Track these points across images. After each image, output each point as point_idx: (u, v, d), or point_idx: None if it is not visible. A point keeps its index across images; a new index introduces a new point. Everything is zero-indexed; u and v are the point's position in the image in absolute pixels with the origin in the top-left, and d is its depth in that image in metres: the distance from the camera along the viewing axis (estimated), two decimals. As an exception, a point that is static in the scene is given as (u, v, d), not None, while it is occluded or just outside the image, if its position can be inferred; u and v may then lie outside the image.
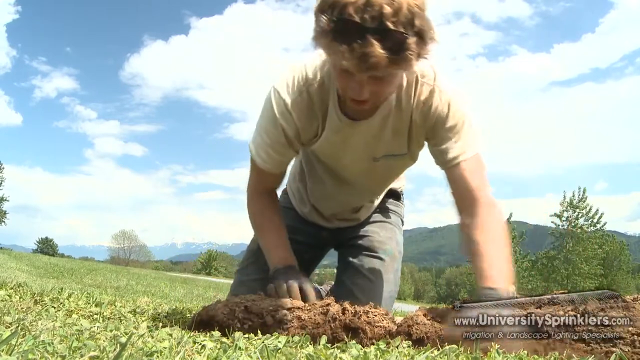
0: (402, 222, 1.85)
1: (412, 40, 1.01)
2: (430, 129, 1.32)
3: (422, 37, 1.04)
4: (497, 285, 1.12)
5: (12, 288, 1.70)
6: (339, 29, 1.00)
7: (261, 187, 1.48)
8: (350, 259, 1.66)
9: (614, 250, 30.52)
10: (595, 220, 27.02)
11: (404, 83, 1.29)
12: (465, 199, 1.30)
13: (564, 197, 27.77)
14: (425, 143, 1.39)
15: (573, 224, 27.23)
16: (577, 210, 27.23)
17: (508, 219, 28.78)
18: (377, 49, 0.98)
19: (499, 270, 1.17)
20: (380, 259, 1.64)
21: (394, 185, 1.75)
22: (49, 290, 1.66)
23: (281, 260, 1.38)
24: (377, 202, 1.73)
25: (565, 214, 27.49)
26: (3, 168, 39.71)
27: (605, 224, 27.30)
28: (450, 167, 1.31)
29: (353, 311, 1.10)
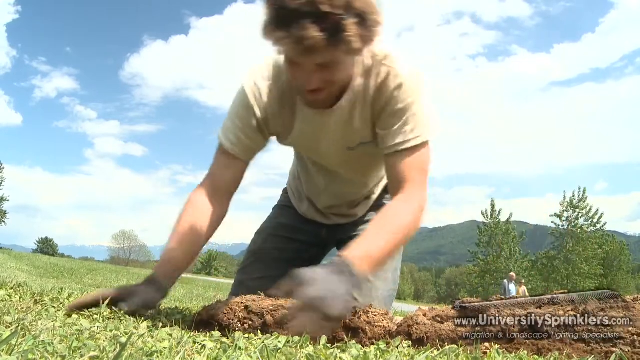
0: None
1: (350, 22, 1.02)
2: (380, 111, 1.30)
3: (364, 18, 1.04)
4: (351, 255, 1.10)
5: (12, 288, 1.70)
6: (279, 16, 1.03)
7: (217, 180, 1.40)
8: None
9: (614, 251, 30.56)
10: (595, 221, 27.07)
11: (367, 68, 1.28)
12: (394, 186, 1.30)
13: (564, 197, 27.84)
14: None
15: (573, 224, 27.27)
16: (577, 210, 27.29)
17: (508, 219, 28.83)
18: (313, 32, 1.00)
19: (366, 248, 1.14)
20: None
21: None
22: (49, 290, 1.66)
23: (155, 270, 1.30)
24: (374, 197, 1.71)
25: (566, 214, 27.57)
26: (3, 168, 39.76)
27: (605, 224, 27.38)
28: (388, 153, 1.30)
29: (353, 311, 1.10)
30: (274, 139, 1.47)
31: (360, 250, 1.13)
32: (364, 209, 1.71)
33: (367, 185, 1.66)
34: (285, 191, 1.90)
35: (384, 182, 1.69)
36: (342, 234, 1.73)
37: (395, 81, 1.26)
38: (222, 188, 1.40)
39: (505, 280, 16.35)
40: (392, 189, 1.31)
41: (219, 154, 1.40)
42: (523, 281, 19.04)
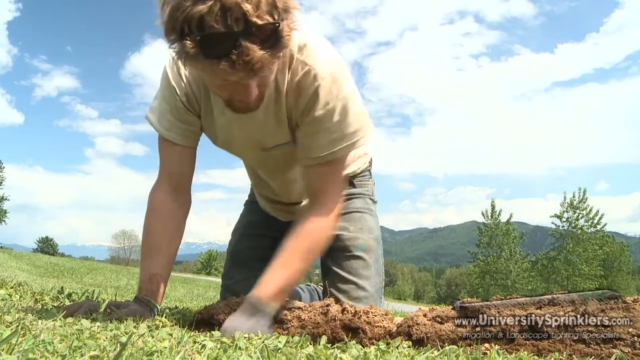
0: (373, 199, 1.72)
1: (283, 25, 0.94)
2: (299, 115, 1.21)
3: (288, 12, 0.96)
4: (261, 297, 1.12)
5: (12, 287, 1.70)
6: (209, 45, 0.90)
7: (170, 176, 1.35)
8: (328, 263, 1.61)
9: (614, 252, 30.51)
10: (595, 222, 27.03)
11: (279, 63, 1.17)
12: (311, 195, 1.28)
13: (565, 198, 27.79)
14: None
15: (573, 225, 27.23)
16: (577, 211, 27.24)
17: (508, 220, 28.77)
18: (257, 51, 0.91)
19: (273, 284, 1.15)
20: (357, 257, 1.57)
21: (346, 171, 1.60)
22: (49, 290, 1.66)
23: (141, 289, 1.27)
24: None
25: (566, 215, 27.50)
26: (3, 167, 39.77)
27: (605, 225, 27.32)
28: (307, 165, 1.25)
29: (353, 311, 1.10)
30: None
31: (271, 286, 1.15)
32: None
33: (293, 183, 1.53)
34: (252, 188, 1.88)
35: None
36: None
37: (315, 83, 1.15)
38: (178, 183, 1.36)
39: None
40: (309, 196, 1.27)
41: (161, 143, 1.34)
42: None
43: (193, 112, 1.31)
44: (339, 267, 1.57)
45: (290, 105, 1.21)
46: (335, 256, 1.59)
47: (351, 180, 1.67)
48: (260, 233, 1.75)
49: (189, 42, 0.91)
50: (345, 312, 1.11)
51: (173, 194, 1.35)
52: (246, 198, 1.93)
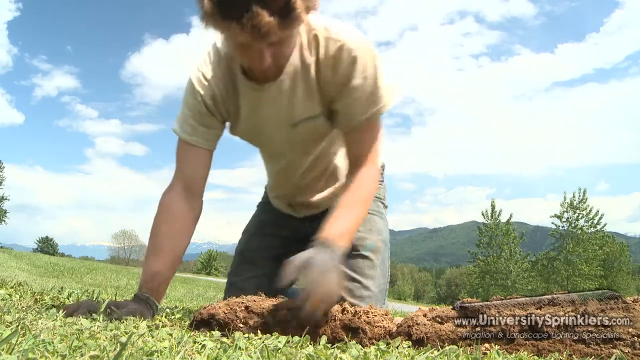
0: (384, 203, 1.75)
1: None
2: (337, 86, 1.30)
3: None
4: (328, 237, 1.17)
5: (12, 287, 1.70)
6: (223, 6, 1.02)
7: (186, 177, 1.38)
8: None
9: (614, 252, 30.51)
10: (595, 222, 27.03)
11: (304, 41, 1.28)
12: (355, 161, 1.36)
13: (565, 198, 27.80)
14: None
15: (573, 225, 27.23)
16: (577, 211, 27.24)
17: (508, 220, 28.79)
18: (266, 17, 1.01)
19: (339, 226, 1.22)
20: (364, 257, 1.57)
21: None
22: (49, 290, 1.66)
23: (141, 288, 1.26)
24: (337, 184, 1.63)
25: (566, 215, 27.51)
26: (3, 167, 39.78)
27: (605, 225, 27.33)
28: (348, 131, 1.35)
29: (353, 311, 1.10)
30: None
31: (336, 228, 1.21)
32: (329, 199, 1.62)
33: (318, 167, 1.58)
34: (265, 188, 1.90)
35: (343, 170, 1.59)
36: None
37: (350, 55, 1.25)
38: (192, 185, 1.39)
39: None
40: (354, 160, 1.36)
41: (180, 148, 1.39)
42: None
43: (217, 114, 1.38)
44: (346, 266, 1.57)
45: (326, 78, 1.30)
46: None
47: None
48: (272, 233, 1.76)
49: (208, 3, 1.03)
50: (345, 312, 1.11)
51: (184, 196, 1.36)
52: (250, 199, 1.96)
